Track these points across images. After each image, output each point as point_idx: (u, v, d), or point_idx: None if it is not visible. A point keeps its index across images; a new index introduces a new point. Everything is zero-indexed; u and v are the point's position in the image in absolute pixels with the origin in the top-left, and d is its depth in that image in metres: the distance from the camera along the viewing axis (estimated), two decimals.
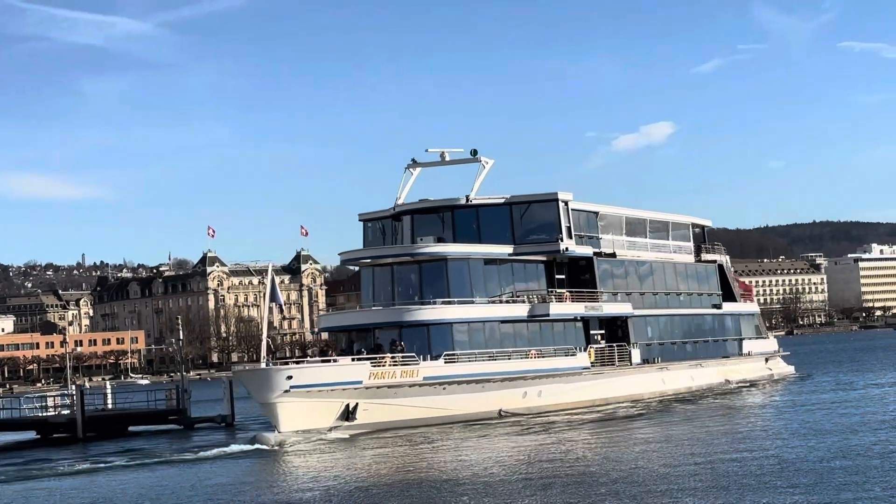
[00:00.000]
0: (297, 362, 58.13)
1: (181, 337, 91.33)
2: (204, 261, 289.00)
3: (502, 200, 67.77)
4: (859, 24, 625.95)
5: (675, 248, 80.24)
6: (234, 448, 50.78)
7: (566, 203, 67.68)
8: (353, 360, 56.93)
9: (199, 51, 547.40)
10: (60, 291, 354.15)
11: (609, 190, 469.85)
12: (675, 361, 75.44)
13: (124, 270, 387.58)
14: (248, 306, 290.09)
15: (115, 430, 66.75)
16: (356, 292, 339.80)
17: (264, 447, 50.40)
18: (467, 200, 67.28)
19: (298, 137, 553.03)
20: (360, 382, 55.54)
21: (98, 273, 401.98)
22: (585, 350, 67.64)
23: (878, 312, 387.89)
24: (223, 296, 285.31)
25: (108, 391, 74.88)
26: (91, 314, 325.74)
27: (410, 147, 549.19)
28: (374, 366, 56.43)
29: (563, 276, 68.35)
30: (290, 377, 53.36)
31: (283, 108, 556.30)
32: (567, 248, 66.86)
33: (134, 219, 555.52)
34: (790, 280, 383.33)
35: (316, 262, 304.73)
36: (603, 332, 69.95)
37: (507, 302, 65.01)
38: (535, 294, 66.31)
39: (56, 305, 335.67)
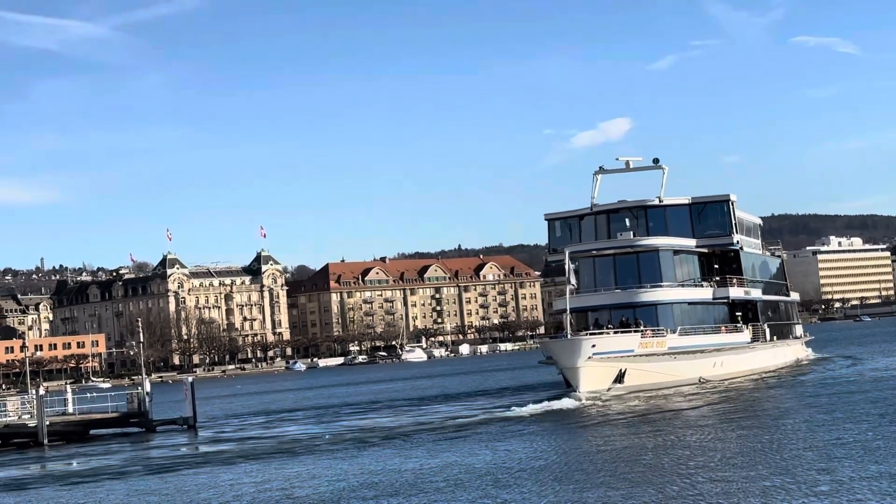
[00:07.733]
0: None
1: (142, 340, 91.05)
2: (164, 263, 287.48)
3: (686, 201, 78.11)
4: (811, 19, 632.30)
5: (754, 245, 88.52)
6: (536, 407, 57.47)
7: (733, 203, 77.89)
8: (613, 332, 67.36)
9: (155, 53, 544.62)
10: (19, 296, 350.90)
11: (568, 188, 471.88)
12: (777, 340, 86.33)
13: (84, 274, 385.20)
14: (209, 308, 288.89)
15: (76, 434, 66.34)
16: (317, 292, 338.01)
17: (575, 402, 58.96)
18: (659, 201, 77.29)
19: (254, 138, 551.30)
20: (633, 351, 66.23)
21: (57, 277, 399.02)
22: (747, 328, 78.61)
23: (837, 304, 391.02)
24: (184, 298, 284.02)
25: (69, 395, 74.42)
26: (51, 318, 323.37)
27: (375, 143, 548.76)
28: (643, 337, 67.19)
29: (717, 266, 78.17)
30: (594, 345, 63.54)
31: (239, 110, 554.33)
32: (737, 242, 77.99)
33: (92, 222, 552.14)
34: None
35: (277, 263, 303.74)
36: (740, 313, 79.73)
37: (692, 286, 75.50)
38: (700, 280, 76.52)
39: (15, 310, 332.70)
